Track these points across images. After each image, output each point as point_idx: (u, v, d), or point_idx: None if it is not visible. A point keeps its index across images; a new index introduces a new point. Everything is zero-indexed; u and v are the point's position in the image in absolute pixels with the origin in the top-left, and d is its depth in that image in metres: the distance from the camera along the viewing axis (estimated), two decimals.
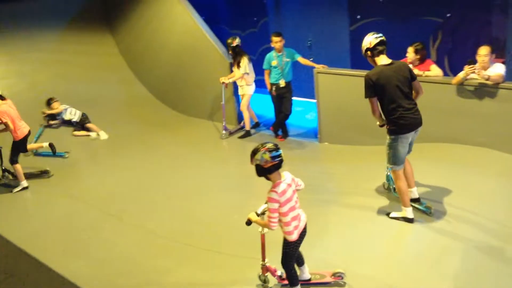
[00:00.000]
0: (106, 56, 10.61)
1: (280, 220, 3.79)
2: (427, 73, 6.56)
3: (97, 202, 6.58)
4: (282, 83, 7.86)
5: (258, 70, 8.51)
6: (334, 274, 4.20)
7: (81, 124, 8.99)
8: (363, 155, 7.08)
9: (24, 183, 7.11)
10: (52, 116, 8.97)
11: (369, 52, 4.84)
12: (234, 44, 8.24)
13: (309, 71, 7.97)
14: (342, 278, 4.20)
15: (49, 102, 8.98)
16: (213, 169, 7.40)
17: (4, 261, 2.52)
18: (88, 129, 8.97)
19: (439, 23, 7.92)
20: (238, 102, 8.92)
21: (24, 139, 7.08)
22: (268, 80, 8.06)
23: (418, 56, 6.59)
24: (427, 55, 7.01)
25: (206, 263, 4.93)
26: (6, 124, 6.79)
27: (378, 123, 5.17)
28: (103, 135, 8.93)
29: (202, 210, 6.13)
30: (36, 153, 8.13)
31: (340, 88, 7.43)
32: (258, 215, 3.93)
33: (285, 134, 8.34)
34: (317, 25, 9.36)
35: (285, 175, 3.84)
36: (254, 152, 3.70)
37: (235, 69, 8.33)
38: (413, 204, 5.16)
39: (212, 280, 4.60)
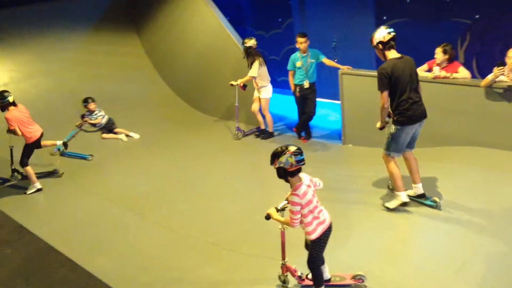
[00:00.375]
0: (132, 56, 10.73)
1: (301, 221, 3.80)
2: (455, 75, 6.45)
3: (122, 200, 6.66)
4: (306, 84, 7.82)
5: (283, 71, 8.49)
6: (354, 277, 4.17)
7: (108, 129, 9.05)
8: None
9: (37, 185, 7.16)
10: (83, 116, 9.04)
11: (380, 45, 4.97)
12: (247, 44, 8.16)
13: (332, 72, 7.91)
14: (363, 281, 4.15)
15: (87, 101, 8.92)
16: (238, 170, 7.41)
17: (34, 257, 2.57)
18: (116, 133, 9.04)
19: (468, 24, 7.77)
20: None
21: (37, 142, 7.20)
22: (292, 81, 8.03)
23: (446, 56, 6.48)
24: (455, 56, 6.89)
25: (229, 262, 4.94)
26: (14, 131, 6.94)
27: (379, 124, 5.39)
28: (135, 135, 9.00)
29: (226, 209, 6.15)
30: (63, 153, 8.25)
31: (365, 90, 7.35)
32: (278, 210, 3.95)
33: (308, 136, 8.30)
34: (343, 26, 9.29)
35: (304, 177, 3.85)
36: (277, 155, 3.71)
37: None
38: (419, 200, 5.30)
39: (234, 280, 4.62)
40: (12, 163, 7.42)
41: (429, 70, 6.67)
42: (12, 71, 9.17)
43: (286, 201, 3.85)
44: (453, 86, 6.40)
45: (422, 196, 5.28)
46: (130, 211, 6.34)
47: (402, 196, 5.22)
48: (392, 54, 5.00)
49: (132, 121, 9.33)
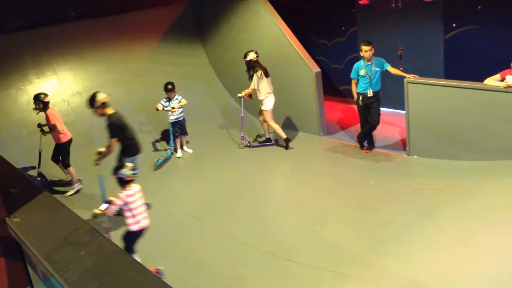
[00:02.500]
0: (197, 66, 11.00)
1: (127, 217, 5.05)
2: None
3: (183, 206, 6.85)
4: (370, 93, 7.68)
5: (346, 79, 8.39)
6: (156, 270, 5.09)
7: (180, 129, 8.83)
8: (456, 170, 6.71)
9: (77, 186, 7.65)
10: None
11: (103, 104, 6.39)
12: (247, 58, 8.49)
13: (397, 80, 7.73)
14: (162, 275, 4.99)
15: (166, 87, 8.64)
16: (296, 179, 7.40)
17: (106, 259, 2.70)
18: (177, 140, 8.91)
19: None
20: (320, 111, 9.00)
21: (69, 143, 7.60)
22: (354, 90, 7.92)
23: None
24: None
25: (285, 272, 4.94)
26: (53, 126, 7.32)
27: (96, 158, 6.53)
28: (188, 150, 9.03)
29: (284, 218, 6.15)
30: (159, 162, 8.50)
31: (432, 99, 7.13)
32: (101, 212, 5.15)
33: (371, 146, 8.14)
34: (409, 33, 9.05)
35: (134, 186, 5.11)
36: (118, 168, 5.09)
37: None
38: None
39: None
40: (39, 166, 7.76)
41: (502, 81, 6.34)
42: (85, 80, 9.67)
43: (107, 205, 5.09)
44: None
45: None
46: (191, 217, 6.50)
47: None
48: (110, 109, 6.42)
49: (194, 129, 9.56)
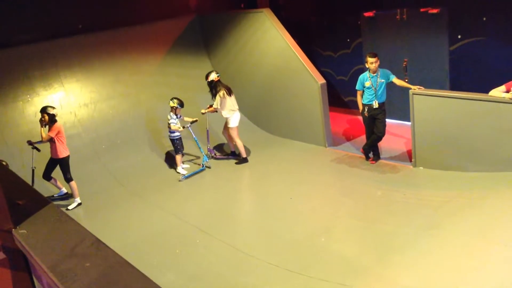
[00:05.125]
0: (202, 78, 11.07)
1: None
2: None
3: (189, 218, 6.84)
4: (375, 104, 7.69)
5: (351, 91, 8.40)
6: None
7: (181, 145, 8.75)
8: (462, 182, 6.67)
9: (78, 199, 7.72)
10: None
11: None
12: (209, 79, 8.66)
13: (402, 92, 7.73)
14: None
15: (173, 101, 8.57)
16: (303, 190, 7.38)
17: (111, 271, 2.70)
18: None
19: None
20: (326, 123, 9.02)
21: (68, 158, 7.60)
22: (360, 101, 7.93)
23: None
24: None
25: (290, 284, 4.91)
26: (43, 135, 7.36)
27: None
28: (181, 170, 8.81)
29: (289, 230, 6.13)
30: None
31: (438, 111, 7.12)
32: None
33: (377, 157, 8.12)
34: (414, 45, 9.08)
35: None
36: None
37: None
38: None
39: None
40: (32, 184, 7.54)
41: (507, 92, 6.33)
42: (92, 92, 9.74)
43: None
44: None
45: None
46: (196, 228, 6.50)
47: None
48: None
49: (200, 141, 9.60)
